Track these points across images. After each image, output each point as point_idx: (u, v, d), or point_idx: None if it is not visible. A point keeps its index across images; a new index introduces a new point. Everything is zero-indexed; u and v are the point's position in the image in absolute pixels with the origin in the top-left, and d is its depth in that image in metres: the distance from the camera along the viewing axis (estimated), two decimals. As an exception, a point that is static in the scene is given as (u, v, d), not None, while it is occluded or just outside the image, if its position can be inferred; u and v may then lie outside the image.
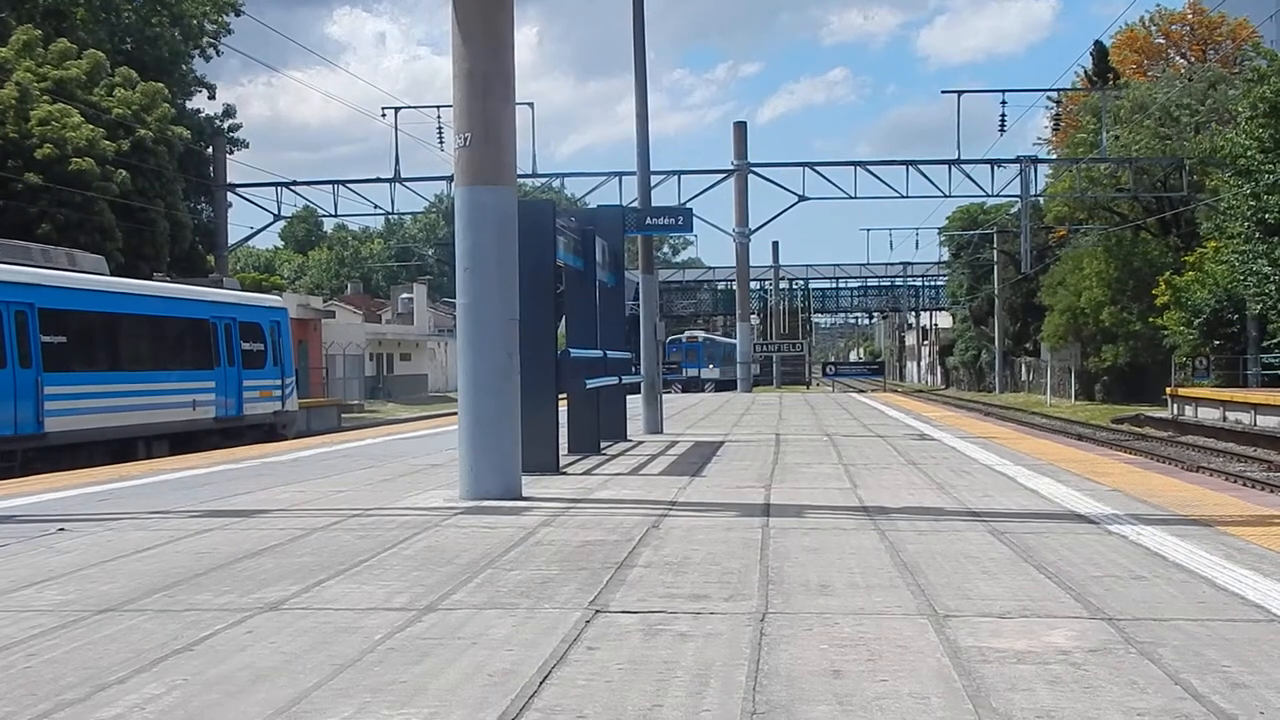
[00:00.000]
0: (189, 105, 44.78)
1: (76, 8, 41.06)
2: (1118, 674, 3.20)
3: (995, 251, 64.77)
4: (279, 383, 24.77)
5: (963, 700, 2.98)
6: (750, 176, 41.03)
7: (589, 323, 11.53)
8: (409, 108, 44.68)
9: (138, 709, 2.99)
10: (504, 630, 3.80)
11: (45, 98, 33.34)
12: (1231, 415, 30.02)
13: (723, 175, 41.20)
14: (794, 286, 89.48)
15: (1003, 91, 39.56)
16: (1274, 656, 3.37)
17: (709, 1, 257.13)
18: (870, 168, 41.12)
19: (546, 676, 3.25)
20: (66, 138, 32.46)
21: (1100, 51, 53.29)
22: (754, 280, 63.73)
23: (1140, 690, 3.05)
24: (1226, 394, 32.00)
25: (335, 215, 44.67)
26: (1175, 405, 34.80)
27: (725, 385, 54.45)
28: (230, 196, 42.52)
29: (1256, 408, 28.53)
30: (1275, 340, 35.31)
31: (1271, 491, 15.00)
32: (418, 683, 3.21)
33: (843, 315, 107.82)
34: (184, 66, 44.85)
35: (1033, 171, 42.00)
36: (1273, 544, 5.25)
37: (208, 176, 42.33)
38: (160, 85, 38.03)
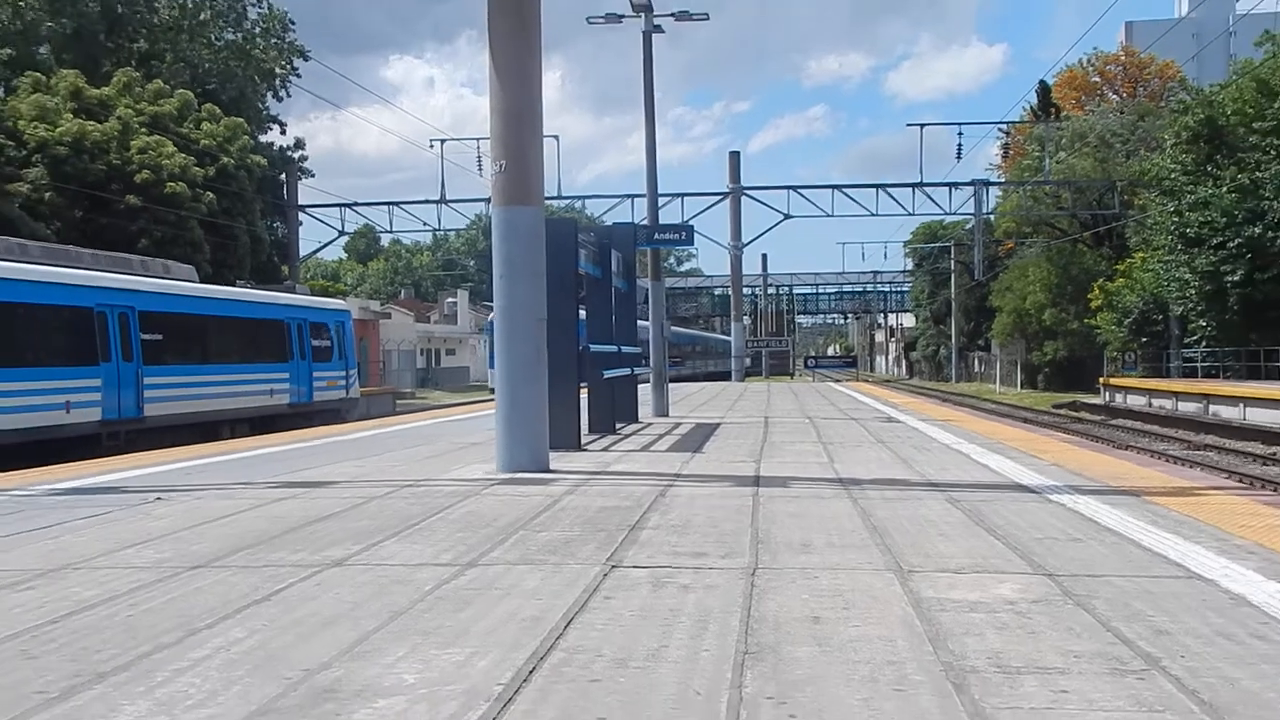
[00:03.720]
0: (264, 139, 44.84)
1: (166, 53, 41.10)
2: (1057, 622, 3.20)
3: (952, 261, 64.50)
4: (343, 374, 24.84)
5: (924, 643, 2.98)
6: (743, 198, 40.90)
7: (606, 322, 11.52)
8: (453, 139, 44.72)
9: (223, 650, 3.01)
10: (534, 582, 3.81)
11: (143, 130, 33.43)
12: (1156, 402, 29.87)
13: (719, 197, 41.08)
14: (780, 292, 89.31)
15: (959, 124, 39.69)
16: (1192, 608, 3.36)
17: (706, 49, 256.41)
18: (845, 190, 41.02)
19: (570, 621, 3.25)
20: (162, 164, 32.56)
21: (1044, 89, 52.98)
22: (746, 286, 63.46)
23: (1076, 635, 3.05)
24: (1151, 383, 31.85)
25: (390, 231, 44.71)
26: (1107, 393, 34.66)
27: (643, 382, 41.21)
28: (301, 215, 42.54)
29: (1177, 395, 28.39)
30: (1194, 337, 35.13)
31: (1190, 466, 14.93)
32: (461, 627, 3.22)
33: (821, 316, 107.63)
34: (259, 105, 44.88)
35: (985, 193, 41.82)
36: (1191, 511, 5.23)
37: (282, 198, 42.39)
38: (240, 120, 38.09)
